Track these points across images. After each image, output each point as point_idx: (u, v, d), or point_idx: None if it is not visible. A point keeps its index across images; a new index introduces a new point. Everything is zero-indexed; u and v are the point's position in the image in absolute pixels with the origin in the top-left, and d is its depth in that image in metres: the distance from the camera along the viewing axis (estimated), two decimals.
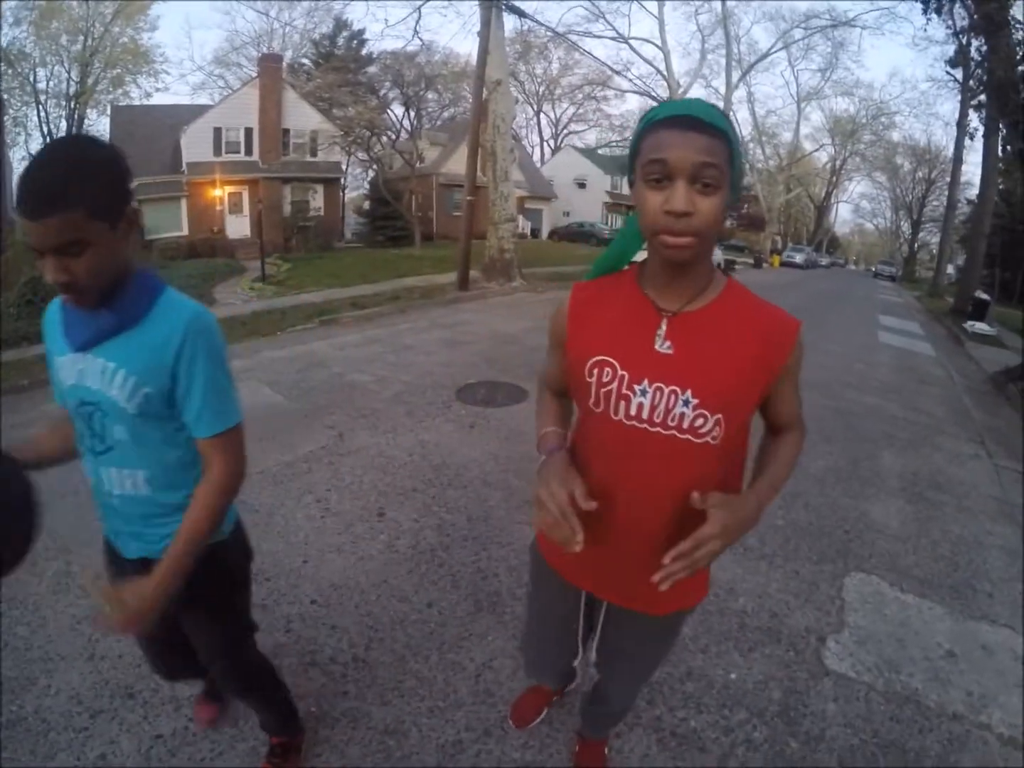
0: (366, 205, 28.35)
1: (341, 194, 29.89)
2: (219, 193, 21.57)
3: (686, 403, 1.02)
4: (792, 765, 1.92)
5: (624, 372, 1.06)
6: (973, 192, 26.70)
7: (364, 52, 33.49)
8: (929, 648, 2.49)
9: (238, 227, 22.40)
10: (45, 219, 0.98)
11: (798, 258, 34.30)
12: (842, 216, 68.51)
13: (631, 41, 27.18)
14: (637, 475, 1.10)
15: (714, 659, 2.32)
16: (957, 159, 25.23)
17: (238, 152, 22.84)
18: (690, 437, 1.04)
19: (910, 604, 2.79)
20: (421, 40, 16.96)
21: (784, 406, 1.16)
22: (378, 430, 4.41)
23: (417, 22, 15.15)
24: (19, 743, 1.90)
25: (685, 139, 0.89)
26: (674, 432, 1.04)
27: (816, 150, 44.35)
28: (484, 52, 11.27)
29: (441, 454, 4.03)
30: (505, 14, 12.49)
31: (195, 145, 21.91)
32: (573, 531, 1.00)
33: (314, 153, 24.31)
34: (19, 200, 1.00)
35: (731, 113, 31.10)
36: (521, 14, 13.52)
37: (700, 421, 1.03)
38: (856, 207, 61.87)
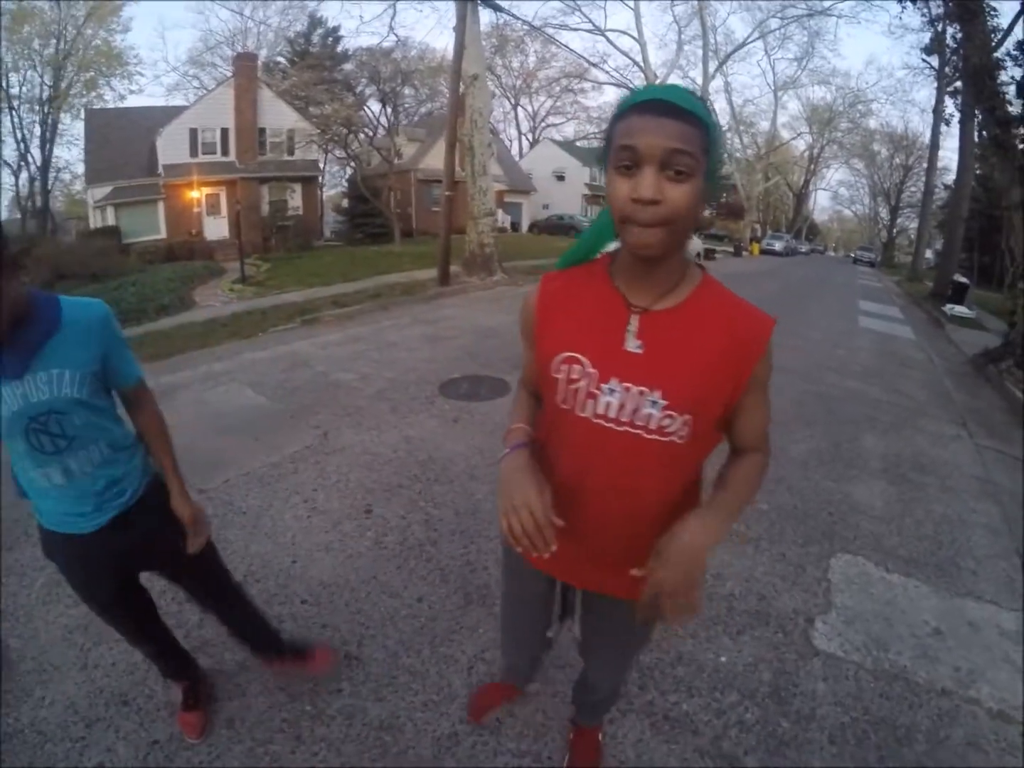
0: (345, 203, 28.27)
1: (319, 192, 29.68)
2: (196, 195, 21.45)
3: (654, 404, 1.01)
4: (784, 744, 1.95)
5: (594, 370, 1.04)
6: (950, 178, 27.03)
7: (339, 49, 33.28)
8: (916, 626, 2.53)
9: (216, 228, 22.24)
10: None
11: (778, 246, 34.48)
12: (821, 203, 69.30)
13: (607, 33, 27.19)
14: (604, 471, 1.10)
15: (704, 643, 2.35)
16: (934, 145, 25.51)
17: (214, 153, 22.68)
18: (657, 437, 1.03)
19: (896, 583, 2.83)
20: (396, 36, 16.86)
21: (751, 422, 1.12)
22: (363, 427, 4.39)
23: (392, 18, 15.06)
24: (17, 756, 1.89)
25: (656, 125, 0.86)
26: (641, 432, 1.04)
27: (794, 138, 44.77)
28: (460, 47, 11.21)
29: (426, 449, 4.02)
30: (481, 8, 12.44)
31: (171, 147, 21.74)
32: (546, 543, 1.02)
33: (291, 152, 24.15)
34: None
35: (709, 103, 31.11)
36: (497, 8, 13.50)
37: (667, 421, 1.02)
38: (835, 194, 62.33)
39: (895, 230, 52.55)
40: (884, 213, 54.00)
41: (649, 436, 1.03)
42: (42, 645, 2.34)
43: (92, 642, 2.33)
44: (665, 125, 0.86)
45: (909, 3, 20.11)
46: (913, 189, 46.11)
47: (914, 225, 40.24)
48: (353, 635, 2.33)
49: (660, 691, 2.11)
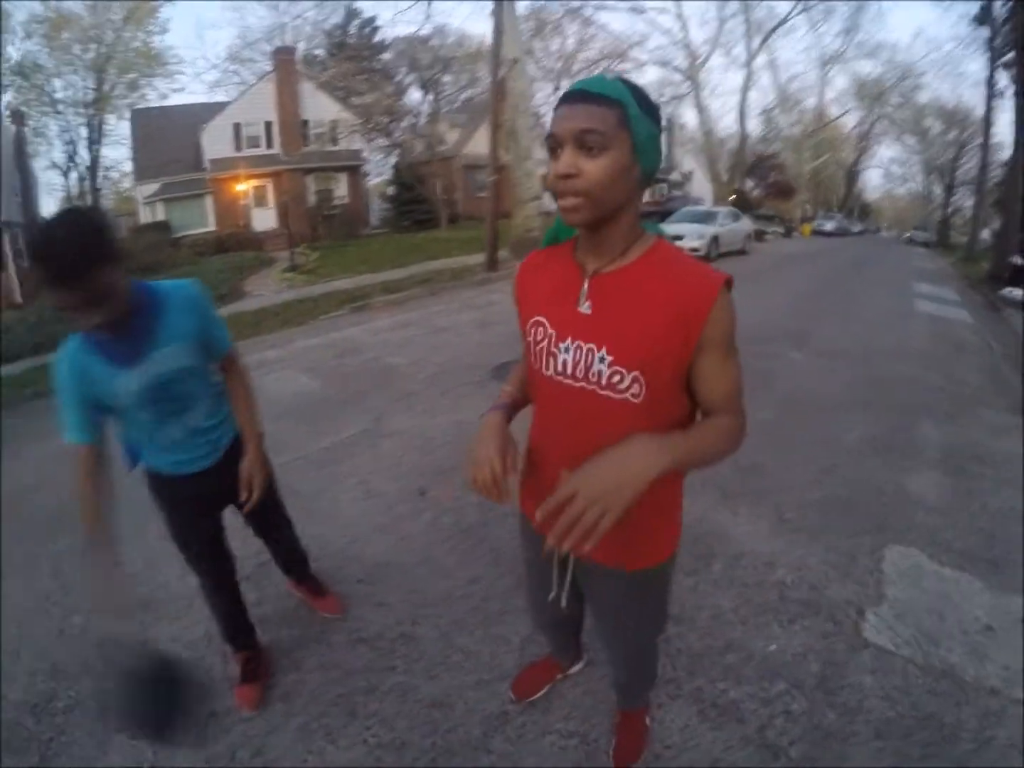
0: (390, 190, 28.37)
1: (364, 181, 29.90)
2: (243, 187, 21.79)
3: (601, 360, 1.08)
4: (829, 736, 1.93)
5: (552, 331, 1.15)
6: (1007, 153, 25.79)
7: (377, 39, 33.28)
8: (967, 622, 2.47)
9: (264, 220, 22.63)
10: (74, 285, 1.26)
11: (829, 226, 33.41)
12: (873, 182, 66.62)
13: (647, 12, 26.69)
14: (569, 429, 1.18)
15: (753, 631, 2.34)
16: (987, 120, 24.33)
17: (259, 146, 23.04)
18: (609, 393, 1.09)
19: (949, 577, 2.75)
20: (433, 24, 16.83)
21: (712, 385, 1.10)
22: (415, 412, 4.48)
23: (429, 5, 15.00)
24: (77, 727, 2.00)
25: (570, 111, 0.98)
26: (595, 388, 1.10)
27: (842, 115, 43.10)
28: (499, 31, 11.18)
29: None
30: None
31: (216, 142, 22.17)
32: (502, 495, 1.15)
33: (335, 142, 24.39)
34: (44, 269, 1.24)
35: (753, 80, 30.26)
36: None
37: (617, 378, 1.08)
38: (886, 172, 60.47)
39: (950, 209, 50.32)
40: (938, 191, 51.80)
41: (602, 392, 1.10)
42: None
43: (153, 618, 2.47)
44: (577, 110, 0.97)
45: None
46: (968, 166, 44.02)
47: (970, 204, 38.52)
48: (408, 614, 2.41)
49: (709, 678, 2.12)
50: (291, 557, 2.38)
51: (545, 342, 1.16)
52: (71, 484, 1.57)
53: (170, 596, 2.61)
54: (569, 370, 1.13)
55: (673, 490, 1.29)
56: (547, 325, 1.16)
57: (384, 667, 2.16)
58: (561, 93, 1.02)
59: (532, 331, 1.20)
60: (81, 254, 1.25)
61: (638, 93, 1.01)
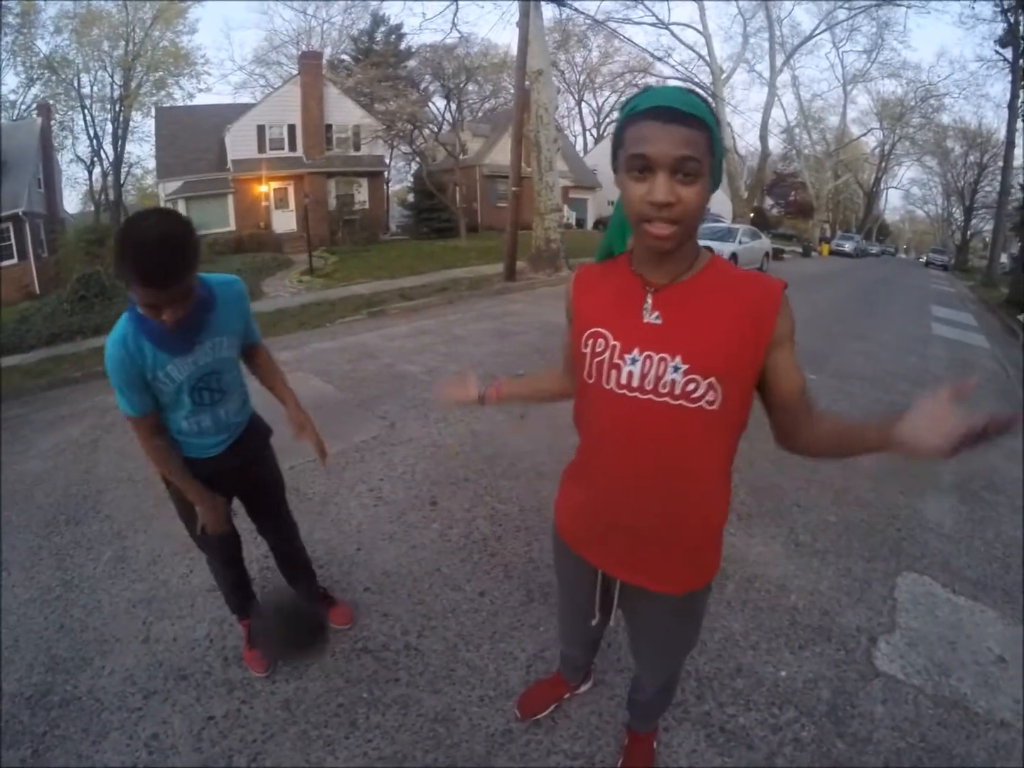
0: (410, 197, 28.49)
1: (385, 187, 30.10)
2: (265, 189, 21.96)
3: (676, 369, 1.06)
4: (838, 766, 1.90)
5: (616, 342, 1.12)
6: None
7: (403, 46, 33.60)
8: (980, 652, 2.43)
9: (284, 221, 22.80)
10: (172, 287, 1.37)
11: (848, 246, 33.20)
12: (892, 203, 66.49)
13: (671, 26, 26.76)
14: (633, 444, 1.15)
15: (764, 656, 2.31)
16: (1009, 142, 24.20)
17: (282, 148, 23.21)
18: (683, 403, 1.07)
19: (962, 606, 2.72)
20: (459, 32, 16.96)
21: (791, 375, 1.11)
22: (429, 420, 4.48)
23: (455, 15, 15.14)
24: (72, 722, 2.00)
25: (665, 132, 0.92)
26: (667, 399, 1.08)
27: (864, 135, 42.92)
28: (524, 42, 11.23)
29: (493, 444, 4.07)
30: (544, 3, 12.42)
31: (239, 143, 22.35)
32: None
33: (357, 147, 24.54)
34: (146, 275, 1.34)
35: (775, 98, 30.23)
36: (559, 2, 13.48)
37: (692, 386, 1.06)
38: (906, 193, 59.89)
39: (969, 232, 49.95)
40: (958, 214, 51.54)
41: (675, 402, 1.08)
42: (105, 616, 2.48)
43: (155, 616, 2.46)
44: (673, 132, 0.92)
45: None
46: (988, 189, 43.74)
47: (989, 227, 38.15)
48: (414, 625, 2.39)
49: (718, 702, 2.09)
50: (296, 564, 2.36)
51: (607, 354, 1.13)
52: (145, 452, 1.72)
53: (170, 594, 2.62)
54: (636, 382, 1.10)
55: (722, 510, 1.27)
56: (609, 337, 1.13)
57: (388, 679, 2.14)
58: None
59: (589, 343, 1.16)
60: (180, 259, 1.37)
61: (714, 112, 1.00)
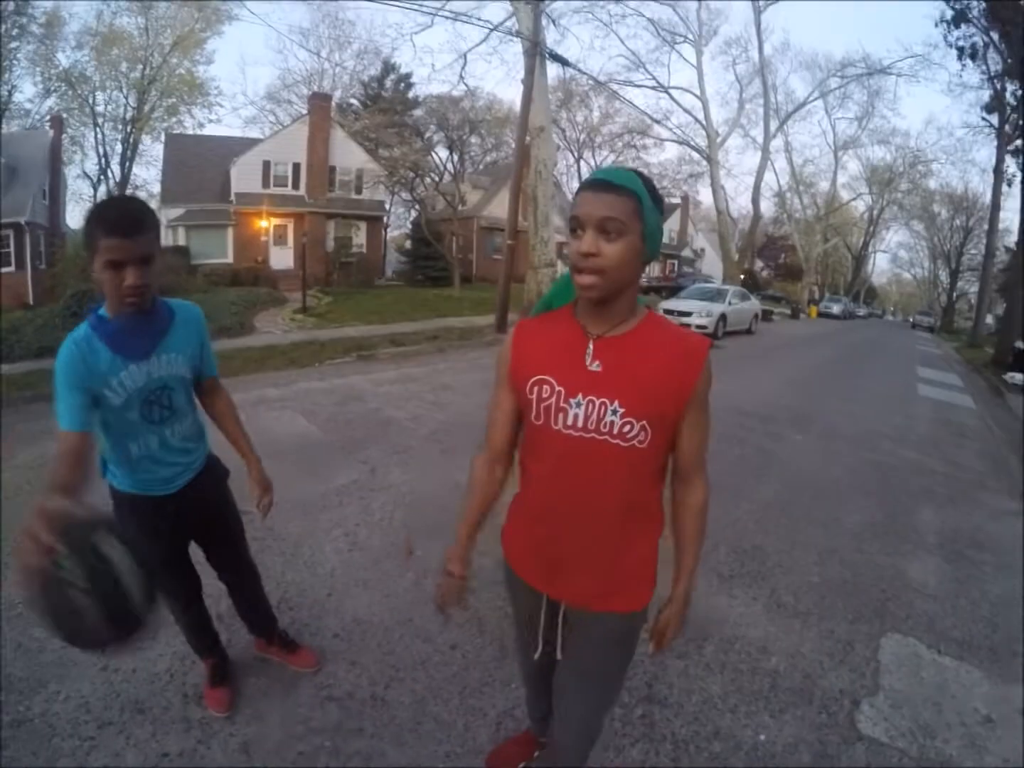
0: (408, 244, 28.91)
1: (384, 232, 30.50)
2: (265, 224, 22.16)
3: (614, 412, 1.20)
4: None
5: (560, 388, 1.24)
6: (1012, 239, 26.22)
7: (411, 95, 34.54)
8: (966, 713, 2.38)
9: (282, 258, 22.94)
10: (135, 236, 1.44)
11: (835, 308, 33.82)
12: (880, 266, 67.35)
13: (670, 90, 27.64)
14: (577, 477, 1.27)
15: (743, 719, 2.24)
16: (995, 206, 24.85)
17: (285, 186, 23.55)
18: (619, 442, 1.21)
19: (948, 667, 2.67)
20: (466, 86, 17.44)
21: (692, 438, 1.29)
22: (411, 467, 4.43)
23: (463, 68, 15.55)
24: (22, 744, 1.92)
25: (593, 198, 1.12)
26: (606, 437, 1.21)
27: (853, 199, 43.88)
28: (528, 99, 11.53)
29: None
30: (548, 62, 12.82)
31: (244, 176, 22.66)
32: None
33: (359, 191, 24.94)
34: (111, 224, 1.43)
35: (768, 163, 31.04)
36: (564, 62, 13.87)
37: (628, 428, 1.20)
38: (894, 256, 61.12)
39: (955, 294, 50.98)
40: (944, 276, 52.64)
41: (613, 441, 1.21)
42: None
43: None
44: (600, 198, 1.11)
45: (968, 60, 19.98)
46: (974, 252, 44.86)
47: (974, 289, 38.85)
48: (382, 676, 2.31)
49: (693, 765, 2.01)
50: (256, 611, 2.29)
51: (553, 399, 1.24)
52: (50, 471, 1.44)
53: None
54: (580, 423, 1.22)
55: (651, 542, 1.37)
56: (554, 383, 1.24)
57: (352, 728, 2.06)
58: (586, 165, 1.08)
59: (535, 389, 1.27)
60: (142, 213, 1.50)
61: (649, 186, 1.16)
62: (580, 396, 1.22)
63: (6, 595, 2.65)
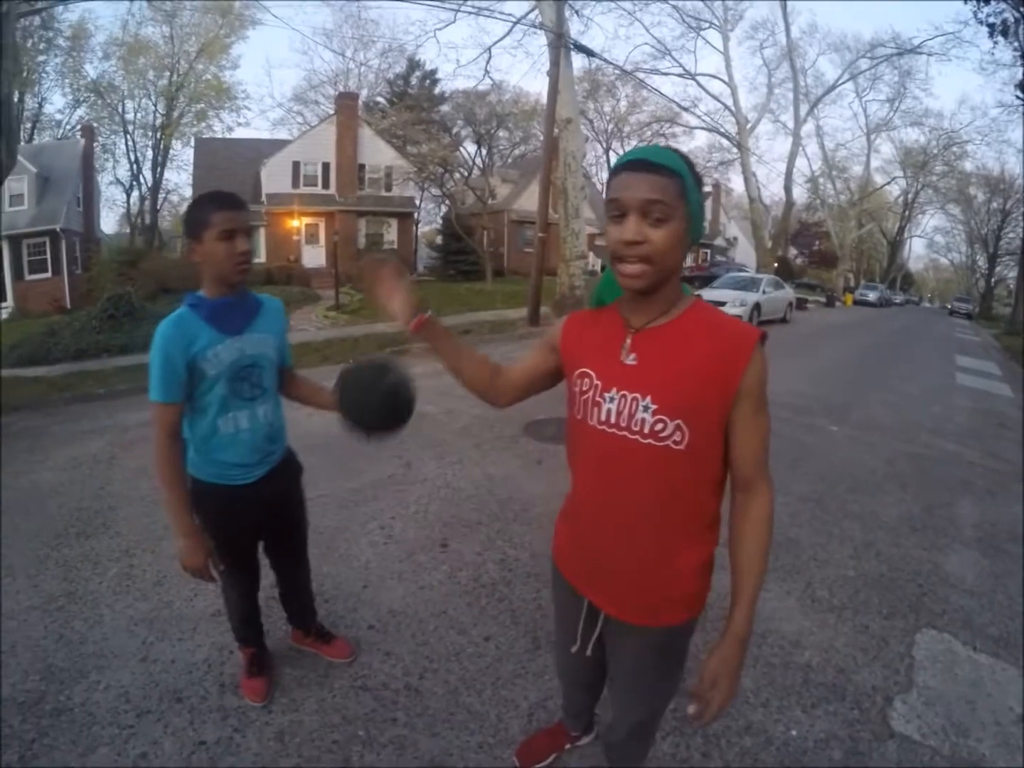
0: (439, 239, 29.03)
1: (414, 228, 30.67)
2: (296, 224, 22.43)
3: (646, 408, 1.12)
4: None
5: (598, 381, 1.20)
6: None
7: (437, 91, 34.56)
8: (1000, 712, 2.33)
9: (314, 257, 23.28)
10: (242, 209, 1.72)
11: (871, 296, 33.01)
12: (916, 251, 65.80)
13: (698, 77, 27.29)
14: (612, 478, 1.21)
15: (775, 714, 2.24)
16: None
17: (315, 185, 23.84)
18: (652, 441, 1.13)
19: (983, 664, 2.62)
20: (492, 80, 17.42)
21: (746, 439, 1.15)
22: (445, 461, 4.48)
23: (488, 62, 15.52)
24: (62, 732, 1.99)
25: (635, 179, 1.04)
26: (637, 437, 1.14)
27: (887, 183, 42.83)
28: (554, 91, 11.47)
29: (507, 488, 4.05)
30: (573, 53, 12.74)
31: (274, 177, 23.00)
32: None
33: (389, 188, 25.14)
34: (222, 200, 1.67)
35: (800, 148, 30.43)
36: (589, 53, 13.79)
37: (660, 426, 1.12)
38: (930, 242, 59.62)
39: (993, 279, 49.42)
40: (982, 261, 51.11)
41: (644, 441, 1.14)
42: (105, 632, 2.49)
43: (155, 637, 2.47)
44: (643, 179, 1.03)
45: (1000, 38, 19.26)
46: (1012, 235, 43.45)
47: (1013, 274, 37.66)
48: (416, 666, 2.36)
49: (724, 760, 2.02)
50: (300, 603, 2.36)
51: (591, 392, 1.20)
52: (156, 448, 1.69)
53: (173, 616, 2.62)
54: (613, 419, 1.16)
55: (700, 556, 1.27)
56: (593, 376, 1.21)
57: (385, 718, 2.10)
58: (615, 156, 1.06)
59: (579, 382, 1.24)
60: (237, 194, 1.75)
61: (690, 165, 1.09)
62: (614, 390, 1.17)
63: (47, 590, 2.78)
